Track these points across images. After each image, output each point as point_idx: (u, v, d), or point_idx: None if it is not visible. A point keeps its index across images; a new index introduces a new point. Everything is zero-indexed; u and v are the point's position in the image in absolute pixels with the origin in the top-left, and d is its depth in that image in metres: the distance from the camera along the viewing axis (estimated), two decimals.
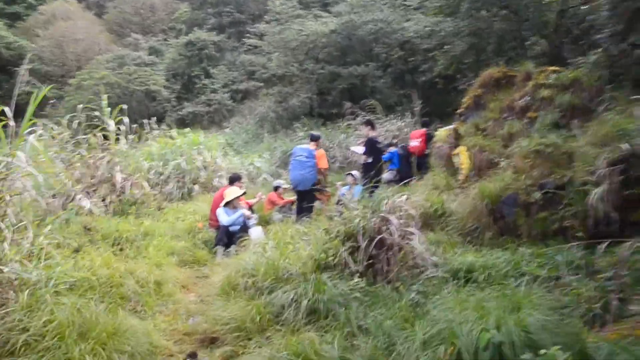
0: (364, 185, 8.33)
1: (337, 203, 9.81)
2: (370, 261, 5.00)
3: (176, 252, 6.76)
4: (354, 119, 17.65)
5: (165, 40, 35.25)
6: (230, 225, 7.59)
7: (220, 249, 7.15)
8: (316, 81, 22.82)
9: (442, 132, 10.74)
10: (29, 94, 8.61)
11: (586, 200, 5.22)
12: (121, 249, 6.53)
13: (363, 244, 5.05)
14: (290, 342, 3.75)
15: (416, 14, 20.06)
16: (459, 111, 12.97)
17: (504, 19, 13.22)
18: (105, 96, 9.25)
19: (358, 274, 4.86)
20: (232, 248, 7.20)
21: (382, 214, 5.48)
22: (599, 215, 5.15)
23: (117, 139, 9.25)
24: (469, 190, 7.75)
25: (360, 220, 5.25)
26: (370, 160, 8.47)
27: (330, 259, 5.08)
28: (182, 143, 11.74)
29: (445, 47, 15.99)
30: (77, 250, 6.06)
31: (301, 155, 8.70)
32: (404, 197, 5.94)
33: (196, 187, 11.01)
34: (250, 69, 31.88)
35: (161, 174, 11.08)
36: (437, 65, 17.69)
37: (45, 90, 5.31)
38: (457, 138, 10.20)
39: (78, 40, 31.26)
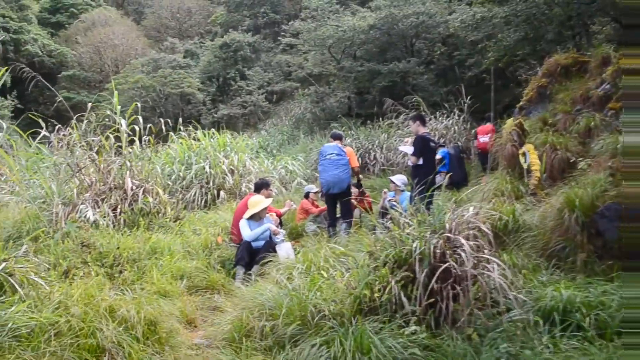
0: (417, 192, 7.01)
1: (382, 215, 8.55)
2: (431, 299, 3.68)
3: (186, 275, 5.61)
4: (396, 117, 16.27)
5: (201, 43, 34.72)
6: (254, 241, 6.40)
7: (240, 271, 5.97)
8: (354, 80, 21.74)
9: (509, 122, 9.28)
10: (69, 99, 7.62)
11: None
12: (121, 271, 5.43)
13: (421, 276, 3.76)
14: None
15: (461, 4, 18.63)
16: (519, 104, 11.53)
17: (564, 1, 11.59)
18: (116, 92, 8.22)
19: (415, 318, 3.56)
20: (255, 269, 6.00)
21: (447, 234, 4.17)
22: None
23: (132, 141, 8.21)
24: (545, 197, 6.35)
25: (416, 241, 3.93)
26: (420, 162, 7.13)
27: (377, 294, 3.79)
28: (207, 145, 10.65)
29: (497, 37, 14.52)
30: (65, 274, 5.00)
31: (332, 154, 7.67)
32: (472, 209, 4.61)
33: (222, 193, 9.90)
34: (287, 70, 31.18)
35: (183, 179, 10.03)
36: (487, 58, 16.31)
37: None
38: (522, 135, 8.70)
39: (116, 45, 31.10)
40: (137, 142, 7.99)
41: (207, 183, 9.98)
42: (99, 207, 7.01)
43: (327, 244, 6.17)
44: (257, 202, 6.72)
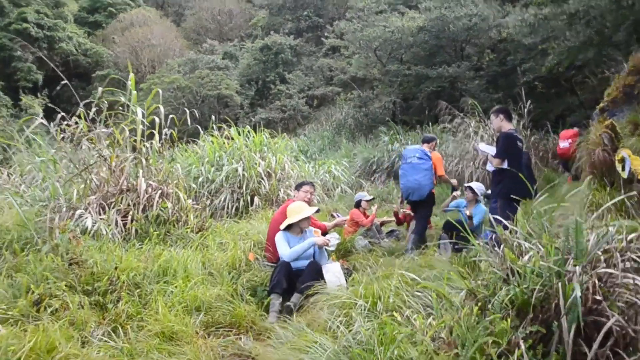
0: (502, 203, 5.46)
1: (444, 227, 7.00)
2: None
3: (205, 306, 4.17)
4: (451, 121, 14.63)
5: (241, 45, 33.81)
6: (294, 261, 4.95)
7: (275, 301, 4.49)
8: (399, 85, 20.65)
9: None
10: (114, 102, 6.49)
11: None
12: (118, 300, 4.05)
13: (569, 335, 2.27)
14: None
15: (516, 5, 17.15)
16: (600, 106, 9.95)
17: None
18: (132, 75, 6.94)
19: None
20: (295, 299, 4.53)
21: (602, 268, 2.65)
22: None
23: (151, 135, 6.90)
24: None
25: (548, 277, 2.47)
26: (505, 165, 5.55)
27: None
28: (241, 145, 9.29)
29: (557, 41, 13.79)
30: (36, 305, 3.65)
31: (413, 157, 6.96)
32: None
33: (256, 199, 8.50)
34: (328, 74, 30.04)
35: (211, 182, 8.69)
36: (545, 64, 14.84)
37: None
38: (615, 138, 7.10)
39: (153, 46, 30.41)
40: (157, 136, 6.64)
41: (240, 188, 8.60)
42: (105, 213, 5.68)
43: (392, 266, 4.68)
44: (299, 209, 5.26)
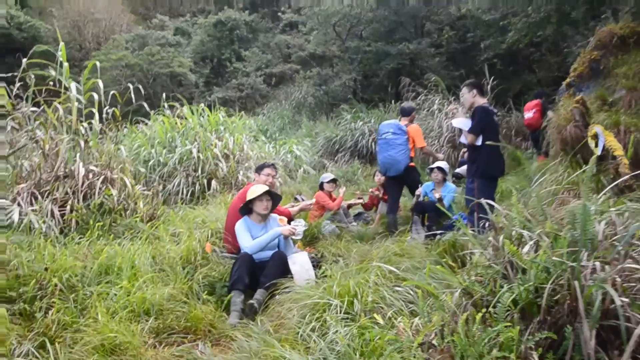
0: (479, 183, 5.06)
1: (417, 211, 6.57)
2: None
3: (155, 309, 3.58)
4: (414, 98, 14.23)
5: (193, 21, 32.41)
6: (258, 251, 4.41)
7: (237, 299, 3.93)
8: (360, 62, 20.32)
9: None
10: (45, 78, 5.64)
11: None
12: (49, 307, 3.42)
13: (591, 342, 1.87)
14: None
15: None
16: (566, 81, 9.73)
17: None
18: (62, 44, 6.15)
19: None
20: (260, 295, 3.99)
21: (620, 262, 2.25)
22: None
23: (91, 115, 6.14)
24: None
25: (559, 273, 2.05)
26: (479, 142, 5.12)
27: None
28: (195, 124, 8.59)
29: (517, 17, 13.78)
30: None
31: (387, 132, 6.72)
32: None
33: (213, 183, 7.86)
34: (286, 51, 29.21)
35: (164, 165, 7.99)
36: (508, 38, 14.77)
37: None
38: (586, 114, 6.84)
39: (97, 20, 28.60)
40: (97, 115, 5.89)
41: (195, 171, 7.94)
42: (34, 204, 4.96)
43: (366, 256, 4.20)
44: (254, 190, 4.70)
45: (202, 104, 9.41)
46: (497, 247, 2.68)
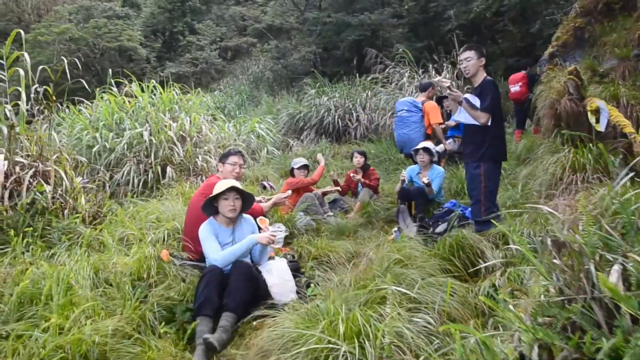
0: (486, 168, 4.39)
1: (402, 198, 5.90)
2: None
3: (96, 351, 2.75)
4: (382, 70, 13.49)
5: None
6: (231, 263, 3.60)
7: (204, 327, 3.13)
8: (319, 34, 19.50)
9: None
10: None
11: None
12: None
13: None
14: None
15: None
16: (549, 51, 9.20)
17: None
18: None
19: None
20: (226, 323, 3.20)
21: None
22: None
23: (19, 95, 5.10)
24: None
25: None
26: (483, 119, 4.39)
27: None
28: (146, 104, 7.60)
29: None
30: None
31: (402, 110, 6.85)
32: None
33: (168, 170, 6.95)
34: (242, 24, 27.93)
35: (111, 150, 7.01)
36: (475, 7, 14.28)
37: None
38: (581, 86, 6.27)
39: None
40: (23, 95, 4.88)
41: (147, 156, 6.99)
42: None
43: (358, 263, 3.47)
44: (218, 186, 3.85)
45: (154, 81, 8.38)
46: (573, 275, 1.96)
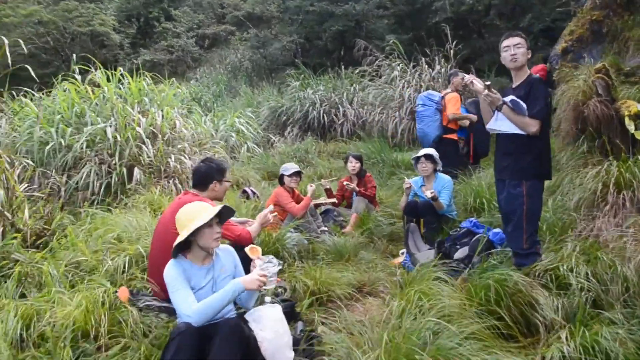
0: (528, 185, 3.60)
1: (408, 213, 5.11)
2: None
3: None
4: (372, 63, 12.64)
5: None
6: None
7: None
8: (301, 24, 18.75)
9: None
10: None
11: None
12: None
13: None
14: None
15: None
16: (562, 46, 8.46)
17: None
18: None
19: None
20: None
21: None
22: None
23: None
24: None
25: None
26: (533, 127, 3.52)
27: None
28: (111, 95, 6.61)
29: None
30: None
31: (419, 105, 6.89)
32: None
33: (136, 172, 6.00)
34: (220, 11, 26.91)
35: (69, 149, 6.02)
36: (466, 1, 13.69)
37: None
38: (610, 88, 5.60)
39: None
40: None
41: (111, 156, 6.02)
42: None
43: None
44: (191, 215, 2.93)
45: (121, 68, 7.35)
46: None
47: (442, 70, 11.23)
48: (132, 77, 7.33)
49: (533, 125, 3.44)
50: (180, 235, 2.76)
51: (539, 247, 3.70)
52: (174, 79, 9.32)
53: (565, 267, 3.20)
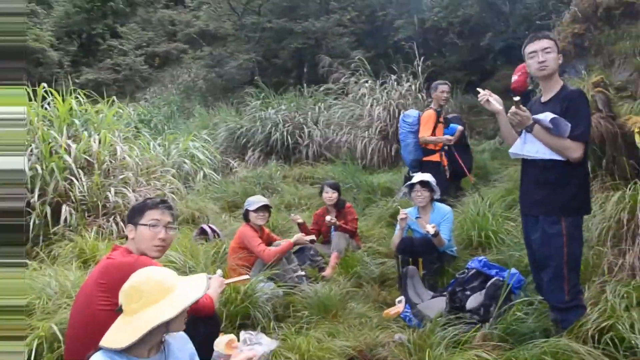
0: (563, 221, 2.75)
1: (398, 249, 4.20)
2: None
3: None
4: (337, 80, 11.83)
5: None
6: None
7: None
8: (258, 42, 18.19)
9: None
10: None
11: None
12: None
13: None
14: None
15: None
16: None
17: None
18: None
19: None
20: None
21: None
22: None
23: None
24: None
25: None
26: (576, 153, 2.68)
27: None
28: (32, 116, 5.44)
29: None
30: None
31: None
32: None
33: (64, 210, 4.84)
34: (171, 29, 25.75)
35: None
36: (434, 15, 13.36)
37: None
38: (611, 103, 5.13)
39: None
40: None
41: (31, 192, 4.85)
42: None
43: None
44: (156, 294, 1.86)
45: (45, 84, 6.15)
46: None
47: (412, 87, 10.52)
48: (62, 95, 6.17)
49: (575, 150, 2.68)
50: (134, 331, 1.74)
51: (582, 298, 2.92)
52: (114, 97, 8.13)
53: (626, 326, 2.59)
